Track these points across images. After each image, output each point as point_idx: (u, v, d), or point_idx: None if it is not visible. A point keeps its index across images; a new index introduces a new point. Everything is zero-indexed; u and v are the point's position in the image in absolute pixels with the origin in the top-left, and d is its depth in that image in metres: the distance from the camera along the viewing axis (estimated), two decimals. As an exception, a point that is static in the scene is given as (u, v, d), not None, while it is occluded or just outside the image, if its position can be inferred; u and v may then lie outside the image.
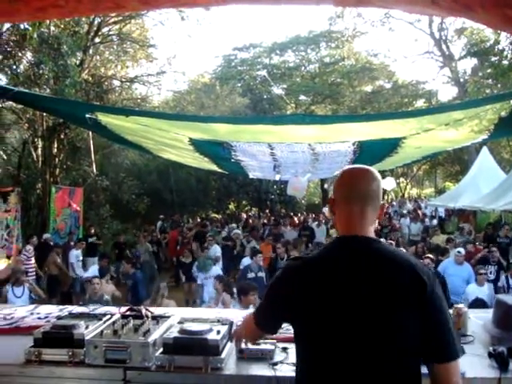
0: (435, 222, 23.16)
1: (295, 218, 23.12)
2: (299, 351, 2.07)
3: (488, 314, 3.18)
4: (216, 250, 12.79)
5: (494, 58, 23.46)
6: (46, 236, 13.94)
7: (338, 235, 2.13)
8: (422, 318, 1.86)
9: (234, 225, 18.04)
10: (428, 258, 9.46)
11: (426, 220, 22.14)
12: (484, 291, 8.62)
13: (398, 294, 1.87)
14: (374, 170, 2.12)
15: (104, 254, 12.73)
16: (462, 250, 10.32)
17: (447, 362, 1.88)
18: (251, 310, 3.59)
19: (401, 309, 1.86)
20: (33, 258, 11.71)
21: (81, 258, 12.89)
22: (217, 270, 10.53)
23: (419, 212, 25.57)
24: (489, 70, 25.20)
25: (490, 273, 10.15)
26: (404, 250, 9.78)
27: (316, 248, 14.01)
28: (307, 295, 1.95)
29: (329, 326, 1.92)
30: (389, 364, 1.87)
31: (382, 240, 2.09)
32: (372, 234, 2.04)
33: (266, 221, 22.48)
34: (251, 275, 9.94)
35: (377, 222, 2.16)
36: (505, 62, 20.01)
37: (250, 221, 22.87)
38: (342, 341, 1.90)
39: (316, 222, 19.36)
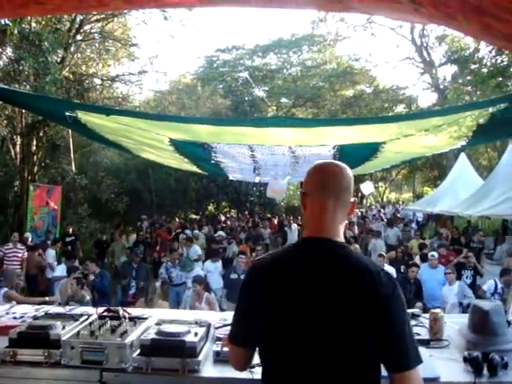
0: (414, 225, 23.37)
1: (274, 220, 23.21)
2: (260, 354, 2.07)
3: (464, 318, 3.22)
4: (196, 250, 12.79)
5: (473, 66, 23.75)
6: (26, 235, 13.74)
7: (304, 234, 2.12)
8: (377, 324, 1.83)
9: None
10: (414, 265, 9.48)
11: (407, 224, 22.29)
12: (454, 290, 8.77)
13: (352, 300, 1.85)
14: (346, 166, 2.12)
15: (71, 254, 12.54)
16: (435, 253, 10.44)
17: (401, 371, 1.84)
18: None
19: (356, 315, 1.84)
20: (13, 257, 11.54)
21: (54, 258, 12.72)
22: (198, 270, 10.51)
23: (398, 215, 25.84)
24: (468, 78, 25.49)
25: (467, 277, 10.25)
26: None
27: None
28: (268, 298, 1.95)
29: (284, 330, 1.92)
30: (344, 369, 1.86)
31: (346, 244, 2.06)
32: (338, 235, 2.03)
33: (244, 223, 22.47)
34: (234, 276, 9.96)
35: (346, 219, 2.14)
36: (484, 70, 20.26)
37: (229, 222, 22.86)
38: (297, 346, 1.90)
39: (292, 225, 19.50)
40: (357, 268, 1.91)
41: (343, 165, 2.12)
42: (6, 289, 7.59)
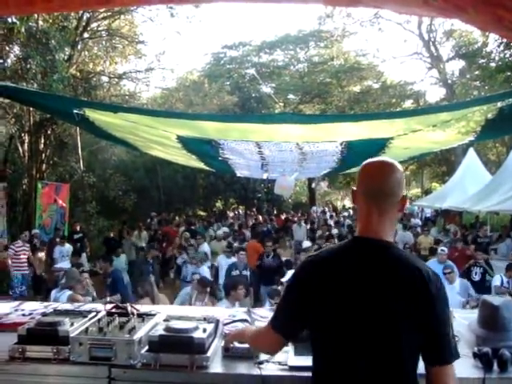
0: (419, 221, 23.34)
1: (282, 217, 23.25)
2: (313, 349, 2.15)
3: (474, 314, 3.20)
4: (205, 249, 12.77)
5: (481, 61, 23.65)
6: (33, 232, 13.87)
7: (355, 233, 2.19)
8: (425, 320, 1.93)
9: (220, 231, 17.33)
10: None
11: (411, 220, 22.31)
12: (456, 288, 8.66)
13: (403, 297, 1.94)
14: (394, 162, 2.15)
15: (77, 251, 12.64)
16: (445, 248, 10.42)
17: (440, 364, 1.95)
18: (238, 307, 3.59)
19: (405, 312, 1.93)
20: (22, 254, 11.64)
21: (69, 254, 12.79)
22: (205, 270, 10.44)
23: (404, 212, 25.81)
24: (476, 72, 25.38)
25: (476, 274, 10.21)
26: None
27: (297, 247, 14.08)
28: (319, 294, 2.03)
29: (334, 327, 2.01)
30: (390, 363, 1.95)
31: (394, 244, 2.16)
32: (386, 233, 2.09)
33: (254, 220, 22.47)
34: (235, 273, 9.96)
35: (399, 214, 2.22)
36: (492, 65, 20.16)
37: (233, 221, 22.79)
38: (348, 341, 1.98)
39: (297, 223, 19.55)
40: (406, 267, 1.99)
41: (391, 162, 2.14)
42: (70, 292, 7.35)
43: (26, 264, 11.71)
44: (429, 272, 1.99)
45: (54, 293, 7.72)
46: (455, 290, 8.59)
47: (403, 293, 1.93)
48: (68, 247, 13.03)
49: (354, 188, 2.21)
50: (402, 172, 2.13)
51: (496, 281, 9.07)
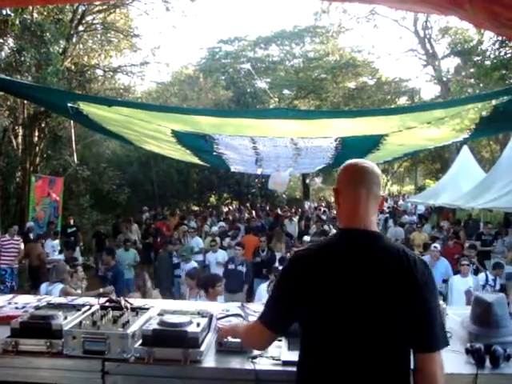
0: (414, 218, 23.39)
1: (276, 212, 23.28)
2: (302, 341, 2.16)
3: (466, 310, 3.21)
4: (198, 242, 12.76)
5: (476, 58, 23.64)
6: (29, 224, 13.84)
7: (340, 226, 2.23)
8: (411, 308, 1.95)
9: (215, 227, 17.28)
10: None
11: (405, 217, 22.38)
12: (468, 282, 8.68)
13: (390, 286, 1.96)
14: (374, 164, 2.24)
15: (71, 245, 12.63)
16: (437, 245, 10.46)
17: (427, 352, 1.97)
18: (219, 302, 3.60)
19: (394, 300, 1.96)
20: (10, 248, 11.60)
21: (58, 248, 12.80)
22: (193, 264, 10.39)
23: (398, 209, 25.95)
24: (471, 70, 25.39)
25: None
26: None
27: (288, 242, 14.12)
28: (310, 289, 2.04)
29: (327, 317, 2.02)
30: (382, 352, 1.97)
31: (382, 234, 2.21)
32: (373, 226, 2.14)
33: (247, 215, 22.45)
34: (231, 266, 9.94)
35: (377, 212, 2.26)
36: (487, 62, 20.14)
37: (230, 216, 22.78)
38: (340, 331, 2.00)
39: (288, 218, 19.62)
40: (394, 255, 2.03)
41: (371, 162, 2.25)
42: (62, 285, 7.40)
43: (15, 258, 11.68)
44: (415, 259, 2.03)
45: (44, 286, 7.68)
46: (468, 284, 8.66)
47: (390, 281, 1.96)
48: (57, 242, 13.05)
49: (335, 187, 2.26)
50: (381, 173, 2.24)
51: (480, 279, 9.10)
